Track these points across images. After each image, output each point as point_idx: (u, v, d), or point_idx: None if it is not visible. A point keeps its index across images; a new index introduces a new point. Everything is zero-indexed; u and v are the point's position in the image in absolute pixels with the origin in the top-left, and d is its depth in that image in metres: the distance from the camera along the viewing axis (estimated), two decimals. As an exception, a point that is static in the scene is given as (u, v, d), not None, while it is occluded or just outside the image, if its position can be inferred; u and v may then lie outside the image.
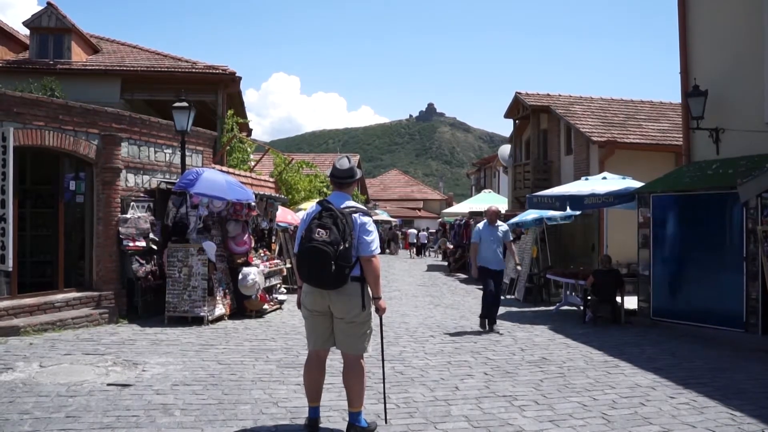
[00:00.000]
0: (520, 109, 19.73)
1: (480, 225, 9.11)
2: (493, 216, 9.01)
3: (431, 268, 23.67)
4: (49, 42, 16.65)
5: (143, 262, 9.29)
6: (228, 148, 15.81)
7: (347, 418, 4.33)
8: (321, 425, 4.41)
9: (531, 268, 12.80)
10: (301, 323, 5.11)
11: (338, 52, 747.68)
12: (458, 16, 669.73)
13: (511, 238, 9.33)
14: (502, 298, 13.35)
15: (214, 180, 9.44)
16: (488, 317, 8.85)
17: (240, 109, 18.49)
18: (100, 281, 9.02)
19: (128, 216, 9.26)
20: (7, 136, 7.56)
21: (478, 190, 33.21)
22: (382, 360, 4.70)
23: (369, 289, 4.23)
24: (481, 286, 16.25)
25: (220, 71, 16.52)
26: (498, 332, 8.58)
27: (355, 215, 4.19)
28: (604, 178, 11.29)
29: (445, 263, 24.09)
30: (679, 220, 9.36)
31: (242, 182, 11.13)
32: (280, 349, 7.26)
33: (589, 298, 9.96)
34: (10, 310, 7.82)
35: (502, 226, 9.06)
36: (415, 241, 36.56)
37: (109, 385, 5.47)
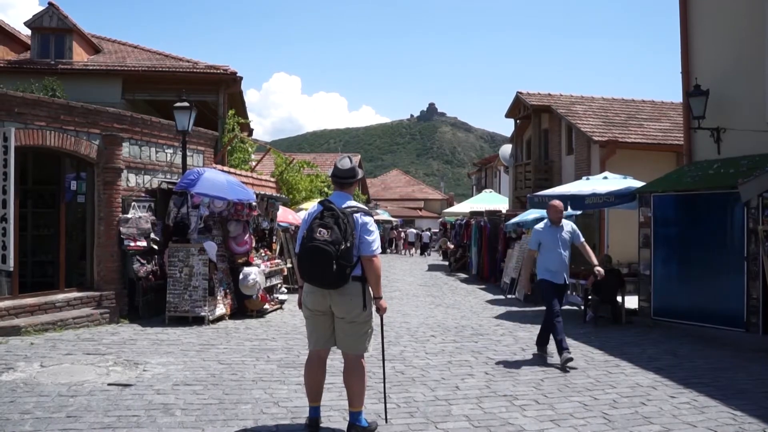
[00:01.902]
0: (521, 109, 19.73)
1: (539, 226, 7.15)
2: (557, 213, 6.98)
3: (432, 267, 23.66)
4: (50, 42, 16.70)
5: (144, 262, 9.30)
6: (229, 148, 15.84)
7: (348, 418, 4.33)
8: (322, 425, 4.41)
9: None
10: (302, 323, 5.12)
11: (339, 52, 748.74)
12: (459, 15, 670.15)
13: (583, 239, 7.27)
14: (504, 297, 13.48)
15: (215, 180, 9.45)
16: (542, 339, 7.04)
17: (241, 109, 18.52)
18: (101, 281, 9.02)
19: (129, 216, 9.27)
20: (9, 136, 7.57)
21: (479, 190, 33.25)
22: (383, 360, 4.70)
23: (370, 288, 4.24)
24: (482, 286, 16.41)
25: (221, 71, 16.55)
26: (547, 355, 6.91)
27: (357, 215, 4.19)
28: (605, 177, 11.28)
29: (446, 263, 24.09)
30: (680, 220, 9.36)
31: (243, 182, 11.13)
32: (281, 349, 7.26)
33: (589, 297, 9.95)
34: (11, 309, 7.83)
35: (568, 225, 7.11)
36: (414, 240, 36.70)
37: (110, 385, 5.47)
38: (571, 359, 6.39)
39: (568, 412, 4.93)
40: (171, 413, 4.71)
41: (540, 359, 6.88)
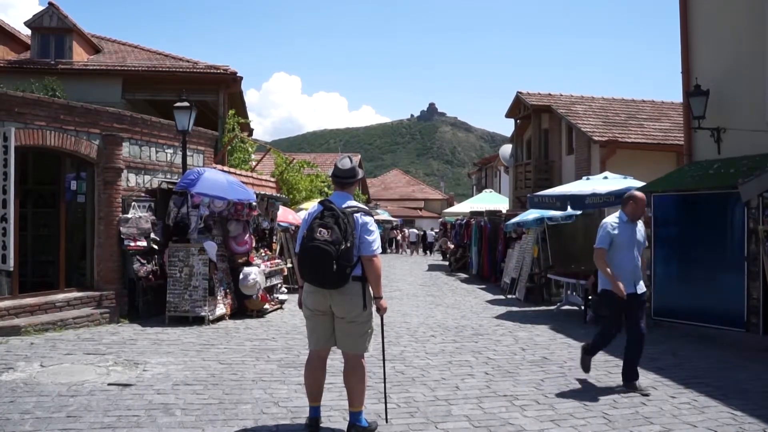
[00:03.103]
0: (521, 109, 19.72)
1: (612, 221, 5.82)
2: (643, 209, 5.77)
3: (432, 267, 23.66)
4: (50, 42, 16.71)
5: (144, 261, 9.30)
6: (229, 147, 15.83)
7: (348, 418, 4.33)
8: (322, 425, 4.41)
9: (532, 268, 12.80)
10: (302, 323, 5.11)
11: (339, 52, 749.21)
12: (459, 15, 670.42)
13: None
14: (504, 298, 13.46)
15: (215, 180, 9.45)
16: (628, 367, 5.63)
17: (241, 108, 18.52)
18: (101, 281, 9.02)
19: (129, 216, 9.26)
20: (9, 136, 7.56)
21: (479, 190, 33.22)
22: (383, 360, 4.70)
23: (370, 288, 4.23)
24: (482, 286, 16.33)
25: (222, 71, 16.54)
26: (642, 392, 5.45)
27: (357, 215, 4.19)
28: (606, 177, 11.26)
29: (446, 263, 24.08)
30: (680, 220, 9.35)
31: (243, 182, 11.13)
32: (281, 349, 7.26)
33: (590, 297, 9.94)
34: (11, 309, 7.83)
35: (640, 223, 5.88)
36: (415, 240, 36.83)
37: (110, 384, 5.47)
38: (641, 389, 5.50)
39: (568, 412, 4.93)
40: (171, 413, 4.71)
41: (583, 377, 6.07)
